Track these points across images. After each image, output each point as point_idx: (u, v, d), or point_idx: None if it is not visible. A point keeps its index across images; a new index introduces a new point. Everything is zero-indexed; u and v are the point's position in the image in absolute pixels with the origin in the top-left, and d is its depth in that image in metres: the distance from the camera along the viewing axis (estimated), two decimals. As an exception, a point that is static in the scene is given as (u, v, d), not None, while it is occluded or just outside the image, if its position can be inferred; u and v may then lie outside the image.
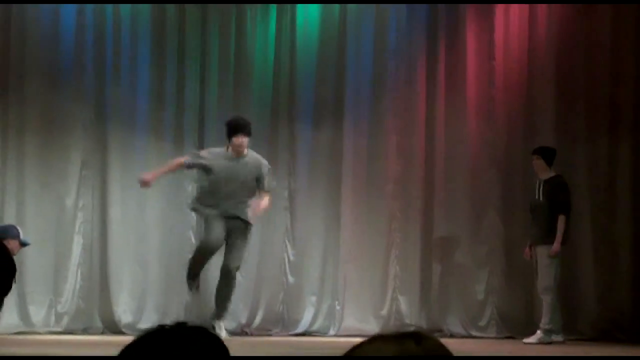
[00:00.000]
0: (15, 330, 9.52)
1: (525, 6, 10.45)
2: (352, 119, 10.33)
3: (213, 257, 9.09)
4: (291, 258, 10.11)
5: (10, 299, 8.69)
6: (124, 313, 9.92)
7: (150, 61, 10.20)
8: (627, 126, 10.28)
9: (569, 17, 10.40)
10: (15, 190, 9.86)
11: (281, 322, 10.11)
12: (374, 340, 1.58)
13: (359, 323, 10.10)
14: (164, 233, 10.09)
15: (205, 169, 8.90)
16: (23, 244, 8.70)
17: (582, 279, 10.15)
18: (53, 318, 9.84)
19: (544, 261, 9.43)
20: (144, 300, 9.99)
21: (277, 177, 9.69)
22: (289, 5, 10.40)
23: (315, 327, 10.15)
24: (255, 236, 9.57)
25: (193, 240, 10.09)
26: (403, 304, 10.21)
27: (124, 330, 9.82)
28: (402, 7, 10.42)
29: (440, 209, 10.32)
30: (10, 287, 8.26)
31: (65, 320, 9.82)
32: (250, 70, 10.31)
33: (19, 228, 8.81)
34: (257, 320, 10.06)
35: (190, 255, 10.05)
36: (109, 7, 10.14)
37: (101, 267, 9.98)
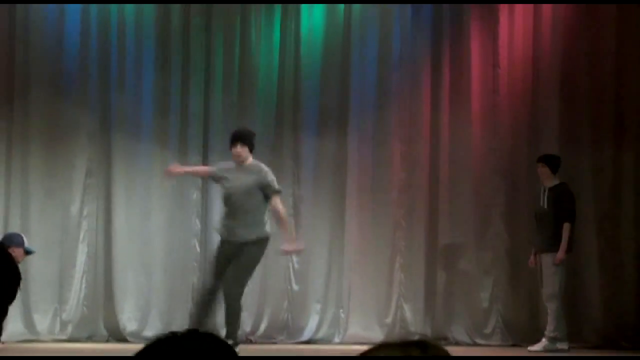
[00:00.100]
0: (20, 339, 9.52)
1: (530, 13, 10.45)
2: (357, 127, 10.33)
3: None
4: (296, 266, 10.11)
5: (14, 307, 8.68)
6: (128, 321, 9.91)
7: (154, 70, 10.22)
8: (632, 133, 10.27)
9: (573, 23, 10.40)
10: (20, 198, 9.87)
11: (286, 330, 10.10)
12: (379, 348, 1.58)
13: (364, 331, 10.09)
14: (169, 241, 10.09)
15: (220, 181, 8.79)
16: (28, 252, 8.70)
17: (587, 287, 10.13)
18: (58, 326, 9.84)
19: (549, 269, 9.42)
20: (149, 308, 9.99)
21: (282, 185, 9.67)
22: (293, 13, 10.41)
23: (319, 335, 10.14)
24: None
25: (197, 248, 10.09)
26: (408, 312, 10.20)
27: (128, 338, 9.82)
28: (407, 15, 10.42)
29: (445, 217, 10.31)
30: (15, 295, 8.27)
31: (69, 328, 9.83)
32: (254, 79, 10.32)
33: (23, 236, 8.82)
34: (262, 328, 10.06)
35: (195, 264, 10.08)
36: (114, 16, 10.16)
37: (106, 275, 9.99)
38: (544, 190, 9.59)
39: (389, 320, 10.15)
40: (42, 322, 9.76)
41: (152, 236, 10.08)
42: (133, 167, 10.11)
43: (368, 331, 10.07)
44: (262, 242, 8.45)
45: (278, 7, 10.41)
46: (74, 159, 10.00)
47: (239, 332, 8.73)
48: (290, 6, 10.42)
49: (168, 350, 1.73)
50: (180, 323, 9.77)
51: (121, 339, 9.84)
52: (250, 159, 8.59)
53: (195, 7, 10.28)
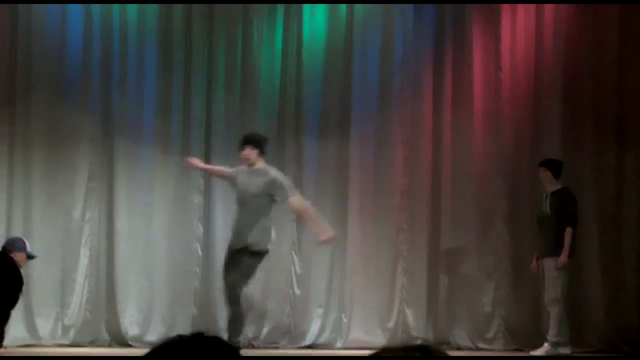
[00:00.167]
0: (22, 343, 9.52)
1: (532, 17, 10.45)
2: (359, 131, 10.33)
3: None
4: (298, 270, 10.10)
5: (17, 312, 8.70)
6: (130, 325, 9.91)
7: (156, 73, 10.22)
8: (634, 136, 10.26)
9: (575, 27, 10.39)
10: (22, 203, 9.87)
11: (288, 334, 10.09)
12: (382, 352, 1.58)
13: (366, 335, 10.08)
14: (171, 245, 10.10)
15: (232, 184, 8.83)
16: (30, 257, 8.70)
17: (589, 291, 10.12)
18: (60, 330, 9.84)
19: (552, 273, 9.41)
20: (151, 312, 9.99)
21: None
22: (295, 15, 10.41)
23: (322, 339, 10.13)
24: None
25: (200, 252, 10.10)
26: (410, 316, 10.19)
27: (130, 342, 9.82)
28: (409, 16, 10.42)
29: (447, 221, 10.30)
30: (17, 299, 8.31)
31: (72, 333, 9.83)
32: (256, 82, 10.32)
33: (25, 240, 8.81)
34: (264, 332, 10.05)
35: (197, 268, 10.08)
36: (116, 20, 10.17)
37: (108, 280, 9.99)
38: (546, 195, 9.58)
39: (391, 324, 10.14)
40: (44, 327, 9.76)
41: (154, 240, 10.08)
42: (135, 171, 10.11)
43: (370, 336, 10.06)
44: (260, 253, 8.50)
45: (280, 9, 10.41)
46: (76, 163, 10.01)
47: (242, 337, 8.72)
48: (293, 8, 10.42)
49: (174, 353, 1.74)
50: (183, 327, 9.78)
51: (123, 343, 9.84)
52: (260, 163, 8.60)
53: (197, 10, 10.29)
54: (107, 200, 10.06)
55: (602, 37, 10.36)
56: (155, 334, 9.85)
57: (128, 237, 10.02)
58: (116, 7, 10.18)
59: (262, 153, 8.62)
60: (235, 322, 8.48)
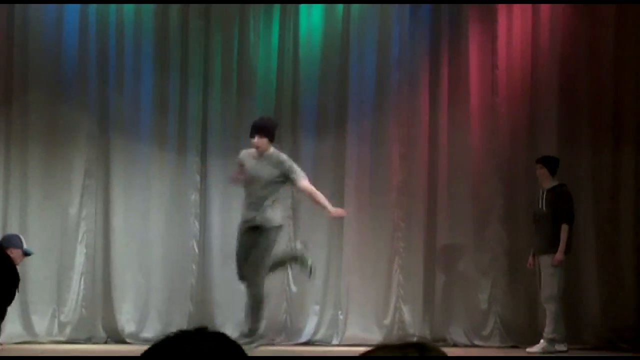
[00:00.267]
0: (18, 340, 9.53)
1: (528, 15, 10.46)
2: (355, 128, 10.33)
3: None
4: (294, 267, 10.10)
5: (13, 309, 8.71)
6: (127, 322, 9.92)
7: (153, 72, 10.22)
8: (631, 135, 10.27)
9: (572, 25, 10.40)
10: (19, 200, 9.88)
11: (284, 331, 10.10)
12: (378, 349, 1.58)
13: (362, 332, 10.09)
14: (167, 242, 10.10)
15: (241, 168, 8.90)
16: (26, 254, 8.71)
17: (585, 288, 10.13)
18: (56, 327, 9.84)
19: (548, 270, 9.42)
20: (147, 309, 9.99)
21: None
22: (291, 14, 10.41)
23: (318, 336, 10.14)
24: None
25: (196, 249, 10.10)
26: (406, 314, 10.20)
27: (127, 339, 9.83)
28: (405, 15, 10.43)
29: (444, 218, 10.31)
30: (14, 296, 8.32)
31: (68, 330, 9.83)
32: (253, 80, 10.32)
33: (22, 237, 8.82)
34: (260, 329, 10.04)
35: (193, 265, 10.09)
36: (112, 17, 10.17)
37: (104, 277, 9.99)
38: (543, 192, 9.59)
39: (387, 321, 10.15)
40: (40, 324, 9.76)
41: (151, 237, 10.09)
42: (131, 168, 10.11)
43: (366, 333, 10.07)
44: (274, 230, 8.62)
45: (277, 8, 10.41)
46: (73, 161, 10.01)
47: (258, 327, 8.74)
48: (289, 7, 10.42)
49: (176, 349, 1.74)
50: (179, 324, 9.78)
51: (120, 340, 9.84)
52: (270, 149, 8.66)
53: (193, 8, 10.29)
54: (103, 197, 10.06)
55: (598, 36, 10.36)
56: (152, 331, 9.85)
57: (124, 235, 10.02)
58: (112, 6, 10.18)
59: (272, 140, 8.69)
60: (257, 308, 8.63)
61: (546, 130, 10.31)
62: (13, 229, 9.53)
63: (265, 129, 8.68)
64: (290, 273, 10.08)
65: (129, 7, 10.22)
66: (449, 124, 10.37)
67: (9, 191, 9.88)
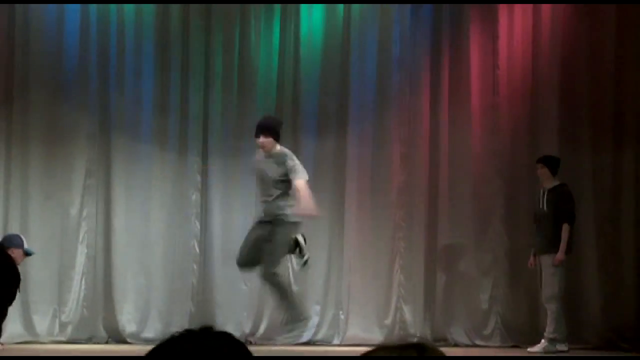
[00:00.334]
0: (19, 340, 9.53)
1: (529, 15, 10.46)
2: (356, 129, 10.33)
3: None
4: (295, 267, 10.10)
5: (14, 309, 8.66)
6: (128, 322, 9.92)
7: (154, 71, 10.22)
8: (632, 134, 10.27)
9: (572, 24, 10.40)
10: (20, 200, 9.88)
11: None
12: (377, 350, 1.59)
13: (363, 332, 10.09)
14: (168, 242, 10.10)
15: (252, 169, 8.97)
16: (27, 254, 8.71)
17: (586, 288, 10.13)
18: (57, 327, 9.85)
19: (549, 270, 9.42)
20: (148, 309, 9.99)
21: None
22: (292, 14, 10.41)
23: (319, 336, 10.14)
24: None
25: (197, 249, 10.10)
26: (407, 313, 10.20)
27: (128, 339, 9.83)
28: (406, 15, 10.43)
29: (445, 218, 10.31)
30: (14, 296, 8.27)
31: (69, 330, 9.83)
32: (254, 80, 10.32)
33: (23, 237, 8.82)
34: (261, 329, 10.06)
35: (194, 265, 10.09)
36: (113, 17, 10.17)
37: (105, 277, 10.00)
38: (544, 192, 9.59)
39: (388, 321, 10.15)
40: (41, 324, 9.77)
41: (152, 237, 10.09)
42: (132, 168, 10.11)
43: (367, 333, 10.07)
44: (290, 225, 8.63)
45: (277, 8, 10.41)
46: (74, 161, 10.01)
47: (295, 311, 8.77)
48: (290, 7, 10.42)
49: (182, 348, 1.74)
50: (180, 324, 9.78)
51: (121, 340, 9.85)
52: (276, 147, 8.66)
53: (194, 8, 10.29)
54: (104, 197, 10.06)
55: (599, 36, 10.36)
56: (153, 331, 9.86)
57: (125, 235, 10.02)
58: (113, 6, 10.18)
59: (277, 139, 8.69)
60: (283, 296, 8.68)
61: (547, 130, 10.31)
62: (14, 229, 9.54)
63: (268, 128, 8.70)
64: (291, 273, 10.08)
65: (129, 7, 10.22)
66: (450, 124, 10.37)
67: (10, 191, 9.89)
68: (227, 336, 1.79)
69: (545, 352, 9.29)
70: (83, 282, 9.94)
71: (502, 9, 10.48)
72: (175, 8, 10.26)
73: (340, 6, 10.44)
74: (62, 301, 9.87)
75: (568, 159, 9.97)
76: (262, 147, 8.69)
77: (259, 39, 10.38)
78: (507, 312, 10.19)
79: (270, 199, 8.63)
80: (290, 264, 10.10)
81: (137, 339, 9.83)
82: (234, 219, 10.10)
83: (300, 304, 9.01)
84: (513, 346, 10.01)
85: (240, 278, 9.83)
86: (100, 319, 9.96)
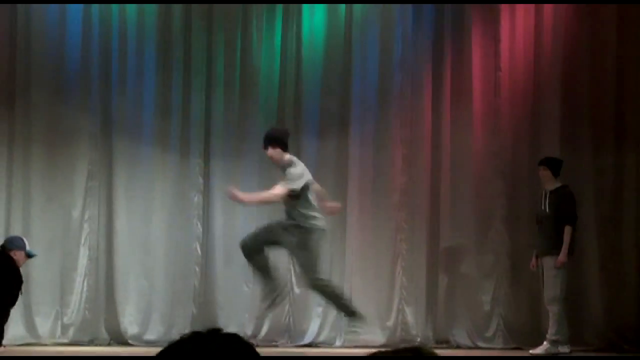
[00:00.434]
0: (22, 342, 9.53)
1: (531, 15, 10.45)
2: (358, 130, 10.33)
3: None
4: (297, 269, 10.09)
5: (16, 310, 8.73)
6: (130, 324, 9.92)
7: (156, 72, 10.23)
8: (633, 136, 10.27)
9: (574, 26, 10.39)
10: (22, 202, 9.88)
11: (287, 333, 10.10)
12: (374, 356, 1.59)
13: (365, 334, 10.08)
14: (170, 244, 10.10)
15: None
16: (29, 256, 8.71)
17: (588, 290, 10.12)
18: (59, 329, 9.85)
19: (551, 272, 9.41)
20: (150, 311, 10.00)
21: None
22: (294, 15, 10.41)
23: (321, 338, 10.14)
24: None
25: (199, 251, 10.10)
26: (409, 315, 10.19)
27: (130, 341, 9.83)
28: (408, 16, 10.42)
29: (446, 220, 10.31)
30: (17, 298, 8.33)
31: (71, 332, 9.84)
32: (255, 81, 10.33)
33: (25, 239, 8.82)
34: (264, 331, 10.05)
35: (196, 267, 10.08)
36: (115, 17, 10.18)
37: (107, 279, 10.00)
38: (545, 193, 9.59)
39: (390, 323, 10.14)
40: (43, 326, 9.77)
41: (154, 239, 10.09)
42: (134, 170, 10.12)
43: (369, 334, 10.05)
44: (316, 231, 8.55)
45: (279, 9, 10.41)
46: (75, 162, 10.02)
47: (350, 308, 8.74)
48: (292, 7, 10.42)
49: (191, 350, 1.74)
50: (182, 326, 9.80)
51: (123, 342, 9.85)
52: (284, 157, 8.62)
53: (196, 9, 10.29)
54: (106, 199, 10.07)
55: (600, 37, 10.36)
56: (155, 333, 9.87)
57: (127, 236, 10.03)
58: (115, 7, 10.19)
59: (285, 149, 8.66)
60: (334, 298, 8.67)
61: (548, 131, 10.30)
62: (16, 231, 9.54)
63: (274, 139, 8.66)
64: (293, 275, 10.08)
65: (131, 8, 10.23)
66: (452, 125, 10.37)
67: (12, 193, 9.89)
68: (235, 338, 1.79)
69: (547, 354, 9.28)
70: (85, 284, 9.94)
71: (504, 9, 10.48)
72: (177, 9, 10.26)
73: (342, 7, 10.45)
74: (64, 303, 9.87)
75: (569, 159, 9.96)
76: (271, 158, 8.68)
77: (260, 40, 10.39)
78: (509, 313, 10.18)
79: (288, 209, 8.61)
80: (291, 266, 10.10)
81: (139, 340, 9.84)
82: (236, 220, 10.10)
83: (351, 302, 8.97)
84: (515, 348, 10.00)
85: (242, 280, 9.84)
86: (102, 320, 9.96)
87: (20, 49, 9.98)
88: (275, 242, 8.63)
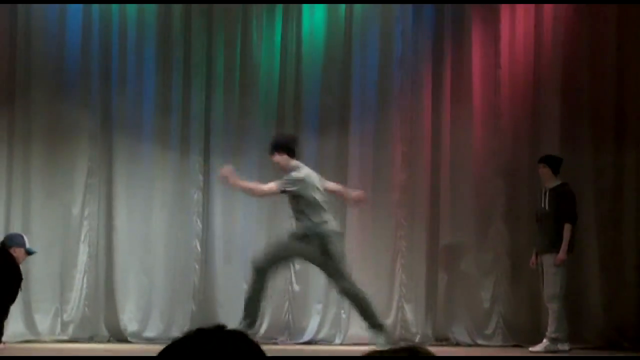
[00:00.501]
0: (21, 339, 9.53)
1: (531, 14, 10.46)
2: (358, 128, 10.33)
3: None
4: (297, 266, 10.10)
5: (16, 307, 8.73)
6: (129, 321, 9.93)
7: (156, 70, 10.23)
8: (633, 134, 10.27)
9: (574, 24, 10.40)
10: (21, 199, 9.88)
11: (287, 330, 10.10)
12: (370, 356, 1.59)
13: (365, 331, 10.04)
14: (170, 241, 10.11)
15: None
16: (29, 253, 8.71)
17: (588, 288, 10.13)
18: (59, 326, 9.85)
19: (550, 270, 9.42)
20: (150, 308, 10.00)
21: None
22: (294, 14, 10.41)
23: (321, 335, 10.14)
24: (260, 244, 9.59)
25: (199, 248, 10.10)
26: (409, 313, 10.20)
27: (129, 338, 9.84)
28: (408, 15, 10.43)
29: (446, 218, 10.31)
30: (16, 295, 8.33)
31: (71, 329, 9.84)
32: (255, 79, 10.33)
33: (24, 236, 8.82)
34: (263, 328, 10.05)
35: (196, 264, 10.09)
36: (116, 16, 10.18)
37: (107, 276, 10.00)
38: (545, 191, 9.59)
39: (390, 320, 10.13)
40: (43, 323, 9.77)
41: (153, 236, 10.09)
42: (134, 168, 10.12)
43: (369, 332, 10.05)
44: (334, 235, 8.64)
45: (279, 8, 10.41)
46: (75, 160, 10.02)
47: (376, 320, 8.82)
48: (292, 6, 10.42)
49: (196, 347, 1.74)
50: (182, 323, 9.81)
51: (122, 339, 9.85)
52: (291, 163, 8.68)
53: (196, 8, 10.29)
54: (106, 196, 10.07)
55: (600, 36, 10.36)
56: (154, 330, 9.87)
57: (127, 234, 10.03)
58: (115, 6, 10.18)
59: (292, 155, 8.69)
60: (362, 307, 8.74)
61: (548, 129, 10.31)
62: (16, 228, 9.54)
63: (279, 145, 8.72)
64: (292, 272, 10.08)
65: (131, 7, 10.23)
66: (452, 123, 10.37)
67: (12, 190, 9.89)
68: (240, 335, 1.78)
69: (546, 352, 9.28)
70: (85, 281, 9.95)
71: (504, 9, 10.48)
72: (177, 8, 10.26)
73: (342, 6, 10.45)
74: (64, 300, 9.88)
75: (569, 158, 9.96)
76: (277, 164, 8.72)
77: (260, 39, 10.38)
78: (508, 311, 10.19)
79: (296, 215, 8.64)
80: (291, 263, 10.11)
81: (139, 338, 9.84)
82: (236, 218, 10.11)
83: (379, 315, 9.01)
84: (514, 345, 10.01)
85: (241, 277, 9.84)
86: (102, 318, 9.96)
87: (20, 49, 9.98)
88: (291, 257, 8.68)
